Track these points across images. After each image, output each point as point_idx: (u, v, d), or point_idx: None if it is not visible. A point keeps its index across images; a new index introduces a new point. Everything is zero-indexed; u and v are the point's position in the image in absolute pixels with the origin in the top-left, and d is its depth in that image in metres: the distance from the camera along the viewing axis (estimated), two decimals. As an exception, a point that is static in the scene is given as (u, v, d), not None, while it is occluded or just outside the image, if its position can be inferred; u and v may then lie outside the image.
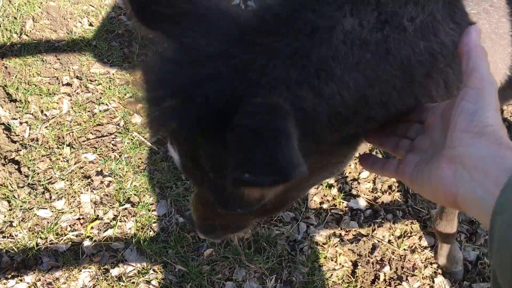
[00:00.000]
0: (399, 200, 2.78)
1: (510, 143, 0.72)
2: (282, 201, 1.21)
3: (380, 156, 2.58)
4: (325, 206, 2.77)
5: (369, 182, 2.86)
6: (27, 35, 3.47)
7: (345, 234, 2.65)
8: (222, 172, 0.86)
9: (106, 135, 3.01)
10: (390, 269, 2.52)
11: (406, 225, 2.67)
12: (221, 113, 0.81)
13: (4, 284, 2.41)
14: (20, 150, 2.88)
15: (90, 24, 3.55)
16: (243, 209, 1.01)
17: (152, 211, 2.69)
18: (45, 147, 2.92)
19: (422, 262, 2.54)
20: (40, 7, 3.62)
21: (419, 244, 2.61)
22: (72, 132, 2.99)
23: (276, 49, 0.83)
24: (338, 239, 2.62)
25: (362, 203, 2.78)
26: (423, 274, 2.50)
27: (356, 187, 2.84)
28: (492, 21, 1.04)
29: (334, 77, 0.84)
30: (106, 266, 2.49)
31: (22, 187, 2.73)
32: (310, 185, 1.26)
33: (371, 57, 0.86)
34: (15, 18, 3.56)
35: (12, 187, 2.72)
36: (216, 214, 1.24)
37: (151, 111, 0.88)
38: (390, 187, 2.83)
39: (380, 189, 2.83)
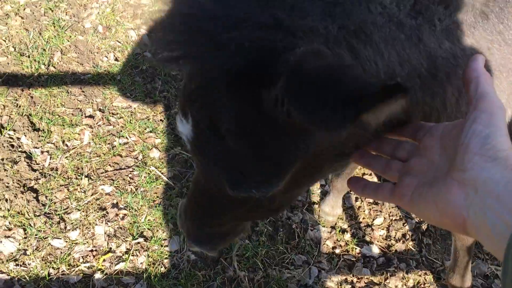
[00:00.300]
0: (413, 249, 2.76)
1: None
2: (290, 196, 1.12)
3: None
4: (337, 251, 2.75)
5: (382, 229, 2.85)
6: (54, 67, 3.59)
7: (357, 281, 2.62)
8: (246, 134, 0.82)
9: (124, 168, 3.06)
10: (402, 320, 2.47)
11: (420, 275, 2.63)
12: (256, 66, 0.76)
13: (14, 312, 2.41)
14: (39, 179, 2.94)
15: (116, 59, 3.66)
16: (260, 188, 0.91)
17: (165, 246, 2.70)
18: (64, 177, 2.97)
19: (435, 315, 2.49)
20: (68, 41, 3.75)
21: (432, 296, 2.56)
22: (91, 164, 3.05)
23: None
24: (350, 286, 2.59)
25: (375, 250, 2.76)
26: (435, 328, 2.44)
27: (369, 234, 2.83)
28: (502, 54, 1.09)
29: (372, 42, 0.85)
30: (115, 300, 2.49)
31: (38, 215, 2.77)
32: (317, 177, 1.15)
33: (404, 39, 0.89)
34: (44, 50, 3.69)
35: (28, 215, 2.76)
36: (216, 214, 1.13)
37: (176, 51, 0.82)
38: (404, 235, 2.81)
39: (394, 237, 2.80)
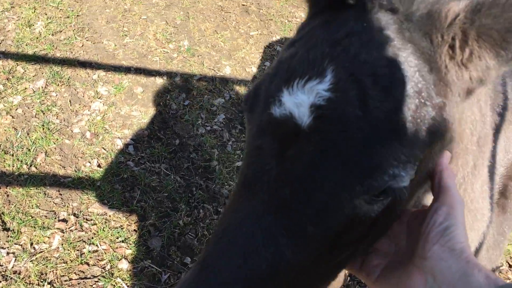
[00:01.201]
0: None
1: (477, 262, 0.77)
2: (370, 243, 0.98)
3: None
4: None
5: None
6: (36, 167, 3.63)
7: None
8: (403, 84, 0.78)
9: (90, 277, 2.97)
10: None
11: None
12: (428, 9, 0.82)
13: None
14: (0, 282, 2.82)
15: (99, 166, 3.74)
16: (402, 172, 0.80)
17: None
18: (26, 282, 2.86)
19: None
20: (55, 143, 3.84)
21: None
22: (56, 270, 2.96)
23: None
24: None
25: None
26: None
27: None
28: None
29: None
30: None
31: (-9, 322, 2.62)
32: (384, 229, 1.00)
33: None
34: (29, 150, 3.76)
35: (-20, 321, 2.61)
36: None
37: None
38: None
39: None
